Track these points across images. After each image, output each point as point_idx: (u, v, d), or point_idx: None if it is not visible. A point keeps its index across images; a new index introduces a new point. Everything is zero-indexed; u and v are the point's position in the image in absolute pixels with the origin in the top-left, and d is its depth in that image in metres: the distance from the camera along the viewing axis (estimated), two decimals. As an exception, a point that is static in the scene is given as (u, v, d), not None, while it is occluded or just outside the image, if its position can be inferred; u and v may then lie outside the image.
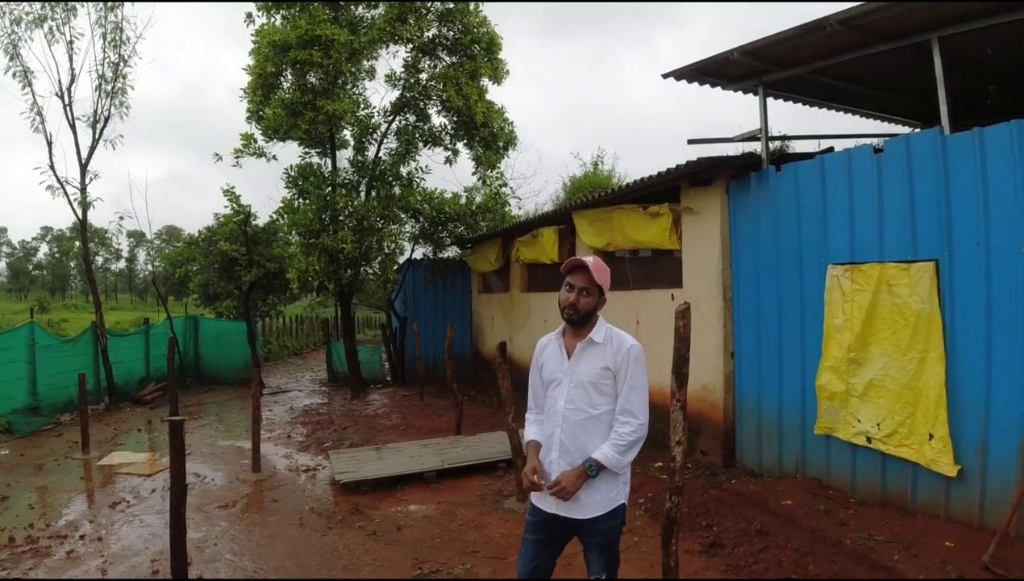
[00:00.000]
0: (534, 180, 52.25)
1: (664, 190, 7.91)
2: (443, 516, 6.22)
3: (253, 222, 14.60)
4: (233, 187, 13.96)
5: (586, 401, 2.97)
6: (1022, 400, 4.62)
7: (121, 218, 15.87)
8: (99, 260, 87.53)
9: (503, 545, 5.36)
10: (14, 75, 12.56)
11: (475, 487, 7.05)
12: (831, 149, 7.19)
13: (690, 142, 7.42)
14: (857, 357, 5.75)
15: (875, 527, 5.13)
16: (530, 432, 3.20)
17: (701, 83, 7.27)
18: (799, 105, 8.20)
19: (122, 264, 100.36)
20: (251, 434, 8.12)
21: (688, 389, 3.67)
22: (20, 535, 5.87)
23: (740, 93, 7.53)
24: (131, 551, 5.53)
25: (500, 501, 6.57)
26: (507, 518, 6.05)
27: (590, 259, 2.99)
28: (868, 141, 6.11)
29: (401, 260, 14.94)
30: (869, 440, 5.65)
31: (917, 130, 8.58)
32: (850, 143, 7.34)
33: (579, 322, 3.00)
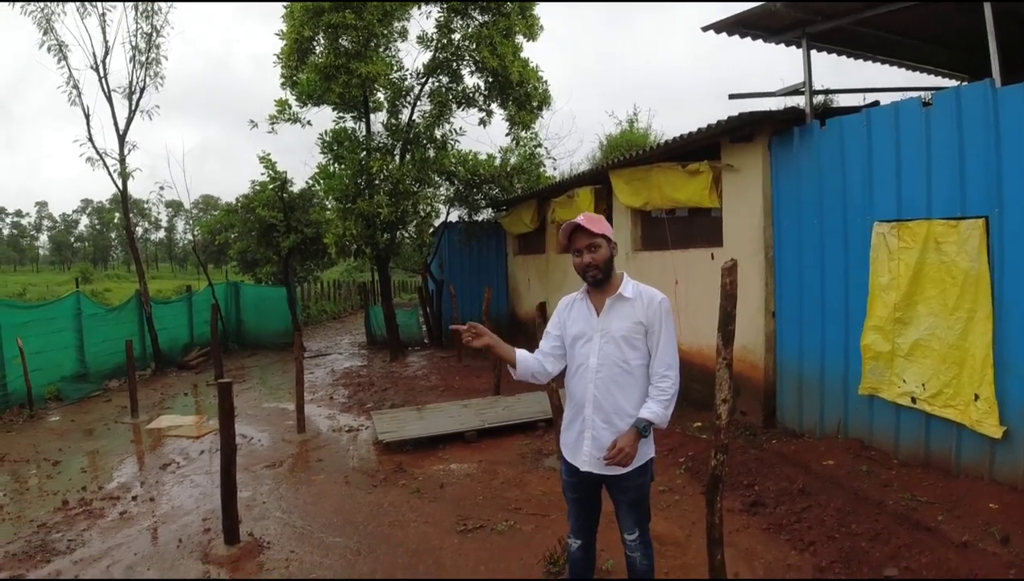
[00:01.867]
0: (568, 140, 51.67)
1: (703, 147, 7.77)
2: (484, 474, 6.33)
3: (289, 188, 14.74)
4: (269, 154, 14.08)
5: (618, 356, 2.98)
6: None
7: (161, 188, 16.12)
8: (139, 230, 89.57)
9: (544, 503, 5.45)
10: (49, 49, 12.75)
11: (515, 446, 7.15)
12: (876, 103, 6.96)
13: (731, 97, 7.25)
14: (903, 317, 5.64)
15: (918, 488, 5.08)
16: (524, 351, 3.15)
17: (742, 36, 7.06)
18: (842, 58, 7.93)
19: (161, 234, 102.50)
20: (295, 396, 8.31)
21: (731, 350, 3.63)
22: (73, 498, 6.11)
23: (782, 46, 7.30)
24: (182, 511, 5.75)
25: (540, 460, 6.66)
26: (548, 476, 6.13)
27: (579, 218, 2.99)
28: (914, 95, 5.90)
29: (436, 223, 15.00)
30: (914, 400, 5.58)
31: (965, 83, 8.27)
32: (895, 97, 7.12)
33: (604, 278, 3.00)
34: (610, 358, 2.98)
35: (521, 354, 3.11)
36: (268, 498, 5.95)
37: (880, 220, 5.86)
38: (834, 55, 7.73)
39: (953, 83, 8.90)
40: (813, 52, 7.04)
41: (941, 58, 8.19)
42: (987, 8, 5.09)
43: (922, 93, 5.76)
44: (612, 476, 3.02)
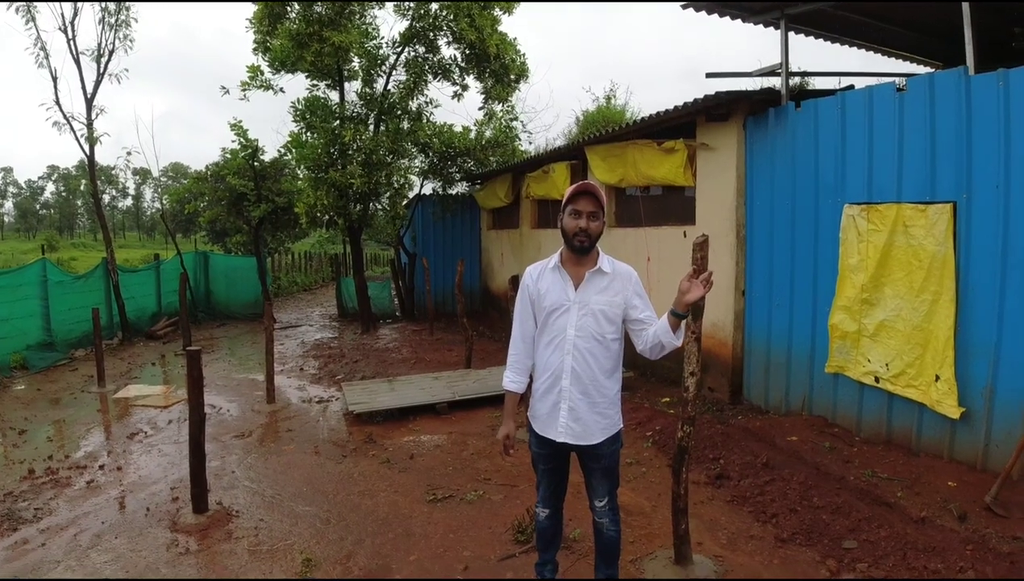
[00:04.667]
0: (544, 115, 51.29)
1: (678, 126, 7.80)
2: (455, 446, 6.37)
3: (261, 157, 14.49)
4: (240, 121, 13.79)
5: (596, 329, 3.00)
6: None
7: (129, 153, 15.69)
8: (106, 198, 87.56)
9: (513, 473, 5.50)
10: (16, 10, 12.32)
11: (486, 418, 7.19)
12: (851, 87, 7.02)
13: (708, 76, 7.24)
14: (870, 297, 5.76)
15: (879, 464, 5.23)
16: (510, 377, 3.22)
17: (721, 14, 7.06)
18: (818, 43, 7.98)
19: (129, 202, 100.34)
20: (265, 366, 8.25)
21: (701, 324, 3.69)
22: (40, 467, 6.01)
23: (760, 27, 7.32)
24: (150, 480, 5.69)
25: (510, 433, 6.69)
26: (518, 448, 6.15)
27: (592, 182, 3.03)
28: (889, 80, 5.97)
29: (410, 195, 14.87)
30: (877, 380, 5.71)
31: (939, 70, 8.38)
32: (870, 82, 7.17)
33: (589, 249, 3.00)
34: (588, 330, 3.00)
35: (520, 386, 3.20)
36: (237, 468, 5.92)
37: (851, 202, 5.95)
38: (811, 38, 7.77)
39: (927, 70, 9.01)
40: (791, 34, 7.06)
41: (917, 45, 8.28)
42: (964, -6, 5.15)
43: (896, 79, 5.81)
44: (586, 445, 3.06)
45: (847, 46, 8.18)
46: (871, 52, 8.55)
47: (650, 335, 2.98)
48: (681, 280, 2.88)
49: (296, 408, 7.96)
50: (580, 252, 3.01)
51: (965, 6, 5.14)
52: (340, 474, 5.67)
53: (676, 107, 7.25)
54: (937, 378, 5.18)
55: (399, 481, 5.45)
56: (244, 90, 12.75)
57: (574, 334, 3.01)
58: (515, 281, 6.71)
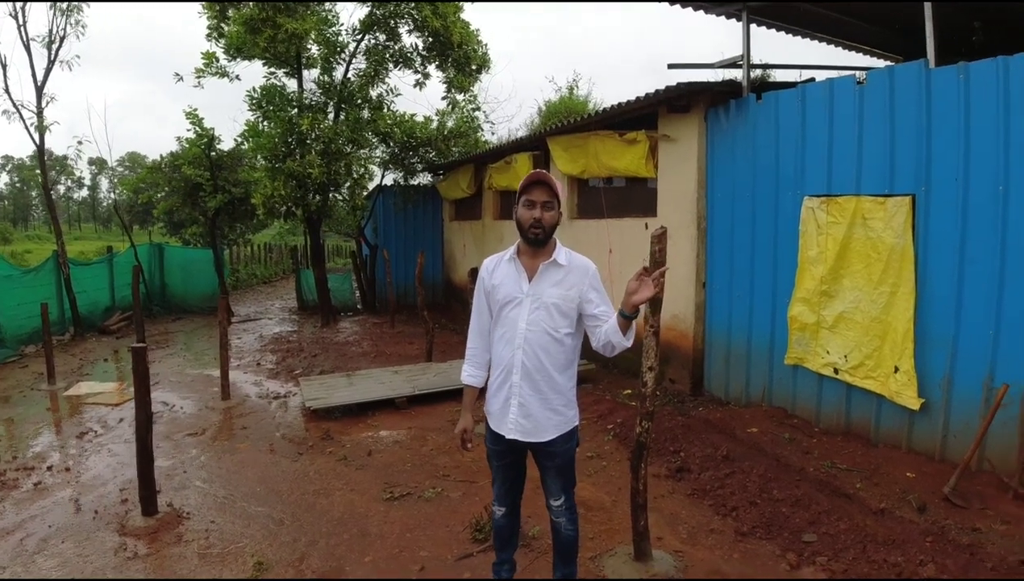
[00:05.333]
0: (507, 105, 51.09)
1: (641, 117, 7.74)
2: (414, 441, 6.25)
3: (218, 146, 14.11)
4: (196, 109, 13.40)
5: (548, 323, 2.92)
6: (989, 337, 4.69)
7: (80, 142, 15.18)
8: (61, 189, 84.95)
9: (473, 469, 5.40)
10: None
11: (446, 413, 7.08)
12: (812, 80, 7.05)
13: (670, 67, 7.20)
14: (829, 289, 5.78)
15: (838, 456, 5.26)
16: (468, 371, 3.17)
17: (683, 5, 7.02)
18: (780, 35, 7.99)
19: (85, 193, 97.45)
20: (220, 362, 8.02)
21: (659, 318, 3.63)
22: (-14, 469, 5.75)
23: (722, 18, 7.30)
24: (99, 481, 5.48)
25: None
26: (478, 443, 6.06)
27: (544, 172, 2.93)
28: (850, 73, 5.99)
29: (371, 186, 14.63)
30: (836, 371, 5.74)
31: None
32: (832, 75, 7.19)
33: (544, 240, 2.91)
34: (540, 324, 2.92)
35: (479, 380, 3.15)
36: (189, 467, 5.73)
37: (810, 195, 5.96)
38: (772, 30, 7.77)
39: (887, 64, 9.10)
40: (753, 27, 7.05)
41: (878, 39, 8.35)
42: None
43: (857, 72, 5.82)
44: (539, 442, 2.98)
45: (808, 39, 8.21)
46: (832, 46, 8.60)
47: (602, 333, 2.89)
48: (629, 279, 2.75)
49: (252, 404, 7.75)
50: (535, 244, 2.92)
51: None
52: (295, 472, 5.52)
53: (638, 97, 7.19)
54: (896, 369, 5.21)
55: (356, 479, 5.32)
56: (199, 77, 12.40)
57: (525, 328, 2.92)
58: (474, 273, 6.58)
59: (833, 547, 3.86)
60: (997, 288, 4.66)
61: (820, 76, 7.34)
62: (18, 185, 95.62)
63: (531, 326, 2.92)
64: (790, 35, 7.99)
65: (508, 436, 2.98)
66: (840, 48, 8.68)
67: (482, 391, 3.21)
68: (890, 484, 4.71)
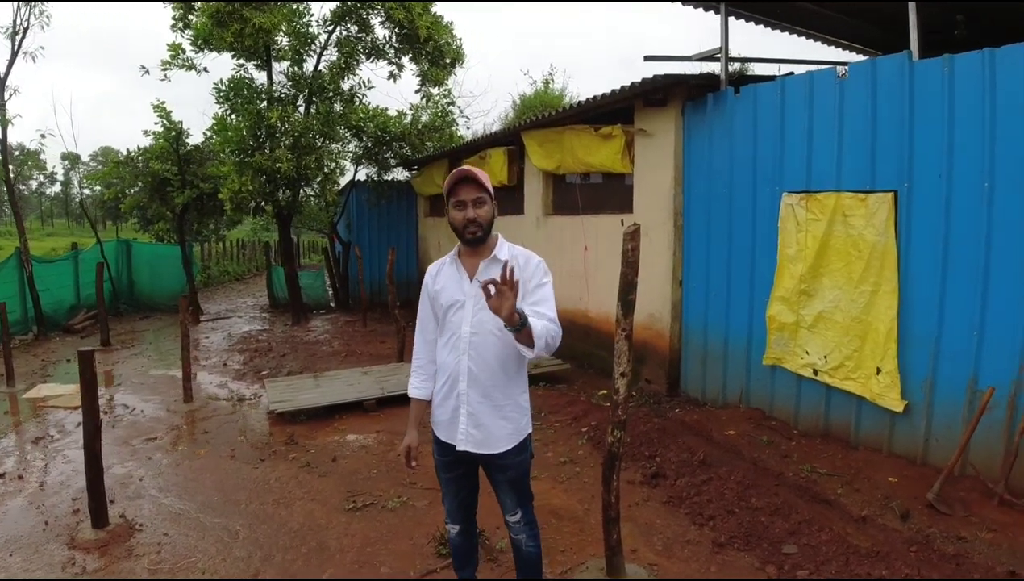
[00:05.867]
0: (483, 99, 50.67)
1: (617, 111, 7.56)
2: (381, 446, 6.02)
3: (186, 140, 13.73)
4: (164, 102, 13.01)
5: (493, 323, 2.66)
6: (974, 338, 4.55)
7: (43, 136, 14.68)
8: (33, 184, 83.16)
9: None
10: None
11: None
12: (791, 74, 6.90)
13: (647, 59, 7.03)
14: (808, 288, 5.63)
15: (817, 459, 5.11)
16: (414, 383, 2.98)
17: (660, -3, 6.85)
18: (758, 29, 7.85)
19: (57, 188, 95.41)
20: (182, 362, 7.71)
21: (635, 317, 3.43)
22: (-66, 477, 5.44)
23: (700, 10, 7.14)
24: (52, 489, 5.22)
25: (442, 431, 6.39)
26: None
27: (469, 167, 2.75)
28: (830, 66, 5.83)
29: (343, 181, 14.35)
30: (816, 372, 5.59)
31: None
32: (810, 69, 7.05)
33: (483, 238, 2.73)
34: (484, 326, 2.71)
35: (426, 392, 2.94)
36: (145, 475, 5.45)
37: (789, 191, 5.80)
38: (751, 23, 7.62)
39: (865, 59, 8.99)
40: (731, 20, 6.87)
41: (856, 32, 8.22)
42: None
43: (837, 66, 5.68)
44: (490, 455, 2.78)
45: (787, 33, 8.07)
46: (810, 40, 8.47)
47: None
48: (489, 300, 2.38)
49: (215, 407, 7.46)
50: (474, 244, 2.74)
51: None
52: (255, 480, 5.26)
53: (613, 91, 7.00)
54: (878, 371, 5.07)
55: (317, 487, 5.07)
56: (165, 70, 12.03)
57: (470, 331, 2.73)
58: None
59: (815, 559, 3.69)
60: (982, 287, 4.51)
61: (799, 70, 7.20)
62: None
63: (476, 329, 2.72)
64: (768, 28, 7.85)
65: (460, 448, 2.78)
66: (818, 42, 8.56)
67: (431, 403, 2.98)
68: (872, 489, 4.56)
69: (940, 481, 4.33)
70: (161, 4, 11.87)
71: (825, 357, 5.52)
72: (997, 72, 4.42)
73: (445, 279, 2.83)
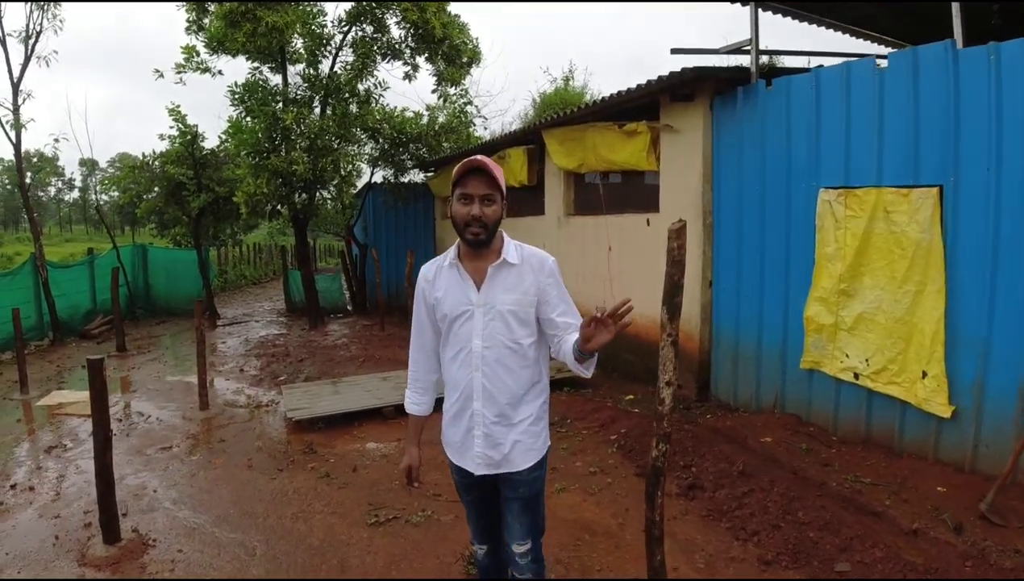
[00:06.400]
0: (500, 98, 50.43)
1: (640, 107, 7.32)
2: (402, 455, 5.78)
3: (202, 144, 13.64)
4: (179, 106, 12.93)
5: (507, 335, 2.45)
6: (1027, 337, 4.30)
7: (56, 141, 14.71)
8: (52, 190, 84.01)
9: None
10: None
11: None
12: (820, 67, 6.64)
13: (673, 51, 6.79)
14: (848, 288, 5.37)
15: (860, 468, 4.85)
16: (411, 398, 2.72)
17: (686, -13, 6.61)
18: (784, 24, 7.60)
19: (76, 194, 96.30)
20: (198, 368, 7.56)
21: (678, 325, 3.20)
22: (-55, 488, 5.32)
23: (727, 3, 6.88)
24: (64, 501, 5.07)
25: (464, 439, 6.18)
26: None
27: (482, 157, 2.42)
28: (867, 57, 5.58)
29: (360, 184, 14.20)
30: (856, 376, 5.34)
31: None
32: (837, 62, 6.80)
33: (487, 241, 2.41)
34: (497, 338, 2.45)
35: (424, 407, 2.74)
36: (159, 486, 5.29)
37: (826, 186, 5.55)
38: (779, 16, 7.34)
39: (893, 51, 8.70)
40: (759, 14, 6.62)
41: (887, 24, 7.93)
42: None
43: (875, 57, 5.43)
44: (505, 473, 2.53)
45: (814, 25, 7.79)
46: (838, 32, 8.18)
47: (560, 352, 2.46)
48: (582, 325, 2.22)
49: (232, 415, 7.30)
50: (476, 246, 2.43)
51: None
52: (273, 492, 5.07)
53: (639, 85, 6.77)
54: (924, 374, 4.80)
55: (338, 499, 4.88)
56: (179, 73, 11.93)
57: (481, 345, 2.45)
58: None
59: (869, 578, 3.45)
60: (1036, 286, 4.27)
61: (827, 64, 6.96)
62: (8, 187, 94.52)
63: (488, 342, 2.45)
64: (795, 20, 7.56)
65: (476, 473, 2.53)
66: (845, 35, 8.26)
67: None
68: (920, 500, 4.31)
69: (994, 491, 4.08)
70: (175, 6, 11.78)
71: (867, 360, 5.26)
72: (1051, 59, 4.17)
73: (446, 284, 2.52)
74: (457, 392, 2.53)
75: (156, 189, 14.63)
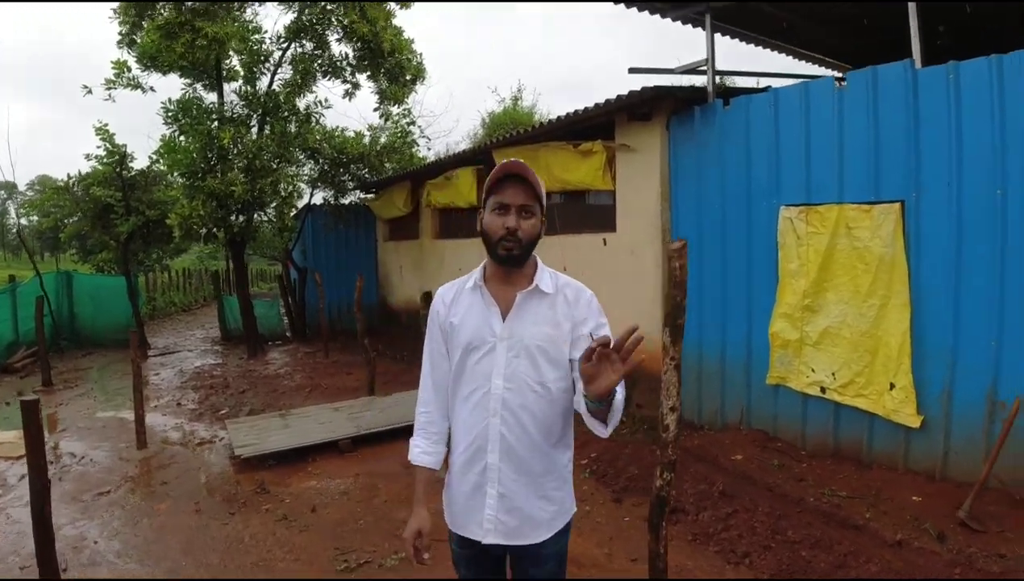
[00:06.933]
0: (444, 118, 50.08)
1: (595, 126, 7.30)
2: (364, 491, 5.53)
3: (130, 165, 12.96)
4: (107, 125, 12.26)
5: (533, 375, 2.07)
6: (992, 347, 4.40)
7: (-33, 162, 13.81)
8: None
9: (439, 524, 4.71)
10: None
11: (398, 454, 6.33)
12: (769, 88, 6.75)
13: (631, 71, 6.79)
14: (812, 304, 5.42)
15: (834, 481, 4.86)
16: (421, 447, 2.25)
17: (640, 8, 6.64)
18: (734, 43, 7.74)
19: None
20: (134, 404, 7.06)
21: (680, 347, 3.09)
22: None
23: (679, 24, 6.96)
24: (-4, 556, 4.57)
25: (428, 470, 5.93)
26: (438, 489, 5.42)
27: (521, 163, 2.08)
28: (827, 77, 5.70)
29: (299, 205, 13.75)
30: (823, 390, 5.37)
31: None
32: (786, 83, 6.94)
33: (521, 259, 2.08)
34: (521, 378, 2.07)
35: (436, 459, 2.26)
36: (100, 536, 4.84)
37: (787, 204, 5.60)
38: (727, 37, 7.47)
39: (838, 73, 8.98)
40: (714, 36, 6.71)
41: (833, 45, 8.16)
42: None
43: (833, 76, 5.56)
44: (524, 545, 2.12)
45: (764, 48, 7.96)
46: (786, 55, 8.38)
47: (577, 402, 2.06)
48: (580, 358, 1.81)
49: (172, 453, 6.82)
50: (508, 263, 2.08)
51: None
52: (227, 538, 4.70)
53: (596, 104, 6.74)
54: (892, 386, 4.87)
55: (300, 544, 4.55)
56: (109, 89, 11.27)
57: (503, 386, 2.07)
58: (429, 298, 5.96)
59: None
60: (999, 296, 4.39)
61: (777, 83, 7.11)
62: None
63: (510, 382, 2.07)
64: (746, 43, 7.72)
65: (485, 541, 2.10)
66: (792, 57, 8.48)
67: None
68: (899, 511, 4.33)
69: (971, 497, 4.15)
70: (107, 18, 11.18)
71: (833, 374, 5.30)
72: (1006, 77, 4.33)
73: (466, 310, 2.15)
74: (468, 440, 2.13)
75: (80, 213, 13.82)
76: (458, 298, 2.18)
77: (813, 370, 5.45)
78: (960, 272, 4.55)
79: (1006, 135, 4.33)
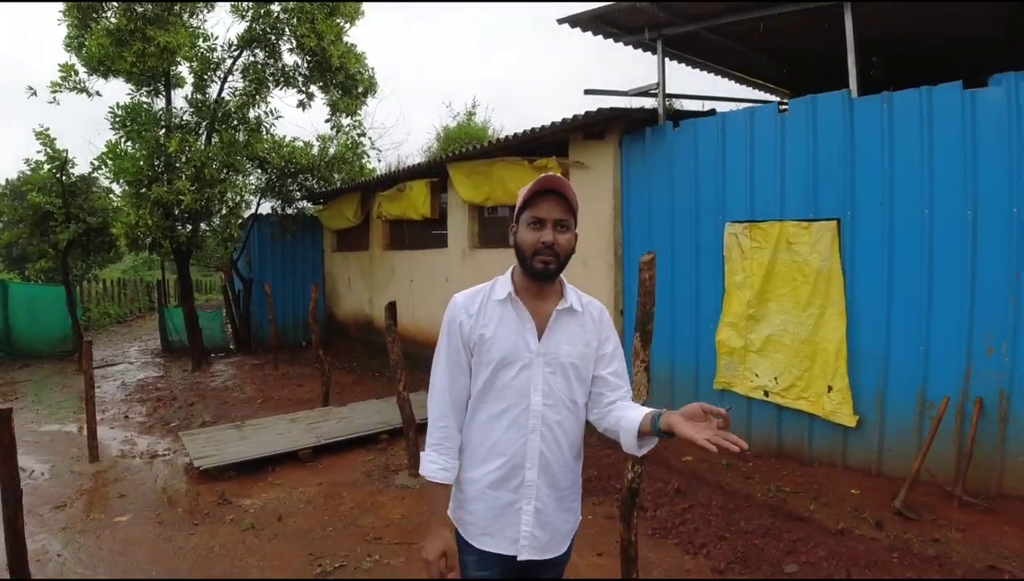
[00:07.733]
0: (395, 131, 49.68)
1: (549, 144, 7.58)
2: (328, 499, 5.60)
3: (71, 170, 12.58)
4: (47, 129, 11.89)
5: (567, 392, 2.11)
6: (920, 353, 4.84)
7: None
8: None
9: (406, 528, 4.88)
10: None
11: (358, 463, 6.46)
12: (713, 111, 7.17)
13: (587, 92, 7.09)
14: (756, 313, 5.79)
15: (779, 478, 5.23)
16: (438, 463, 2.13)
17: (595, 32, 6.96)
18: (680, 70, 8.18)
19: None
20: (86, 416, 6.93)
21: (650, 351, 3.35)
22: None
23: (631, 48, 7.32)
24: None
25: (390, 477, 6.05)
26: (402, 496, 5.56)
27: (559, 178, 2.11)
28: (749, 105, 6.14)
29: (246, 215, 13.60)
30: (766, 394, 5.74)
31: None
32: (729, 106, 7.39)
33: (555, 274, 2.09)
34: (558, 395, 2.10)
35: (453, 472, 2.16)
36: (64, 550, 4.78)
37: (732, 221, 5.98)
38: (681, 64, 7.90)
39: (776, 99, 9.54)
40: (654, 59, 7.08)
41: (771, 72, 8.67)
42: (848, 19, 5.32)
43: (777, 102, 5.99)
44: (548, 559, 2.16)
45: (710, 73, 8.41)
46: (729, 80, 8.87)
47: (611, 419, 2.10)
48: (693, 421, 1.93)
49: (126, 466, 6.73)
50: (543, 277, 2.07)
51: (849, 31, 5.32)
52: (196, 549, 4.72)
53: (553, 123, 7.01)
54: (830, 389, 5.27)
55: (272, 552, 4.62)
56: (55, 92, 10.93)
57: (542, 403, 2.08)
58: (393, 309, 6.10)
59: (818, 575, 3.74)
60: (926, 306, 4.85)
61: (721, 107, 7.55)
62: None
63: (549, 399, 2.09)
64: (693, 68, 8.14)
65: (522, 557, 2.10)
66: (734, 82, 8.97)
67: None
68: (839, 503, 4.73)
69: (905, 489, 4.56)
70: (56, 21, 10.87)
71: (776, 379, 5.68)
72: (935, 108, 4.79)
73: (496, 322, 2.10)
74: (502, 459, 2.10)
75: (6, 219, 13.29)
76: (484, 308, 2.13)
77: (757, 375, 5.82)
78: (891, 284, 5.00)
79: (934, 159, 4.81)
